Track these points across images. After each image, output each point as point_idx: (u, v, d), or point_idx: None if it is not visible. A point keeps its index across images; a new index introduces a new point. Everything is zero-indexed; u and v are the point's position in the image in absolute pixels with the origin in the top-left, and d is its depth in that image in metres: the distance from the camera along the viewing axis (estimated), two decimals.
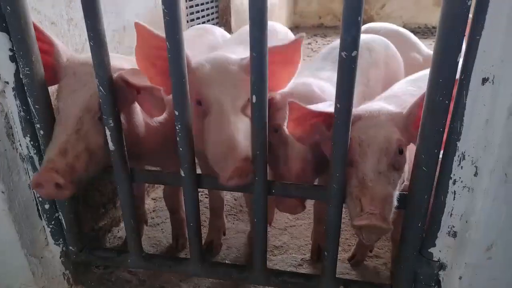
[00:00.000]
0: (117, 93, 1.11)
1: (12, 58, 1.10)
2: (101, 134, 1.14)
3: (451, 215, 1.05)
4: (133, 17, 1.86)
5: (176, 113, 1.07)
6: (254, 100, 1.01)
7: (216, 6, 3.77)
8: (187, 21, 2.93)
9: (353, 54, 0.91)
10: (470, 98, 0.91)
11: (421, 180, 1.04)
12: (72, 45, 1.45)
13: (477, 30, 0.86)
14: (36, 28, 1.12)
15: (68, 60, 1.19)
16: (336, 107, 0.98)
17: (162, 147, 1.38)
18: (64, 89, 1.15)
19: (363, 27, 2.59)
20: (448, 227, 1.07)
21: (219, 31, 2.09)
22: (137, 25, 1.14)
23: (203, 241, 1.41)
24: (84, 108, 1.11)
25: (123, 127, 1.18)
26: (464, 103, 0.92)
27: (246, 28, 2.00)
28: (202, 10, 3.42)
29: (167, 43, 1.00)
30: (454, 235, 1.07)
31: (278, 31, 1.95)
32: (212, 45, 1.86)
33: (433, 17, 7.48)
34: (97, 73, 1.06)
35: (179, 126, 1.08)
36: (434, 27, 7.40)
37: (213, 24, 3.64)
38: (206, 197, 2.04)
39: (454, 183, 1.01)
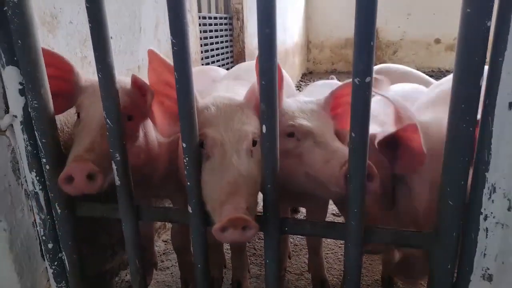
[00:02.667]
0: (133, 102, 1.19)
1: (22, 92, 1.09)
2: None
3: (484, 256, 0.95)
4: None
5: (184, 145, 1.03)
6: (264, 130, 0.96)
7: (231, 51, 3.87)
8: (202, 64, 2.99)
9: (367, 80, 0.87)
10: (497, 124, 0.85)
11: (448, 216, 0.95)
12: None
13: (499, 52, 0.81)
14: (52, 54, 1.18)
15: (86, 81, 1.24)
16: (351, 137, 0.93)
17: (171, 169, 1.35)
18: (85, 101, 1.19)
19: (377, 67, 2.59)
20: (482, 270, 0.96)
21: (222, 70, 2.17)
22: (151, 53, 1.11)
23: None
24: None
25: (140, 142, 1.21)
26: (491, 130, 0.86)
27: (242, 65, 2.04)
28: (217, 55, 3.50)
29: (175, 73, 0.98)
30: (490, 278, 0.96)
31: None
32: (215, 80, 1.88)
33: (446, 61, 7.55)
34: (104, 105, 1.04)
35: (187, 159, 1.04)
36: (447, 71, 7.45)
37: (228, 68, 3.72)
38: None
39: (485, 219, 0.92)
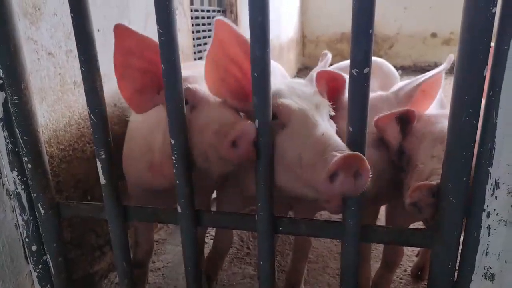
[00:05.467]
0: None
1: (1, 87, 1.03)
2: None
3: (486, 254, 0.91)
4: None
5: (172, 141, 0.97)
6: (257, 124, 0.91)
7: None
8: (195, 59, 2.92)
9: (365, 71, 0.83)
10: (502, 117, 0.80)
11: (449, 213, 0.91)
12: (71, 77, 1.40)
13: (504, 39, 0.77)
14: (132, 35, 1.00)
15: None
16: (348, 131, 0.88)
17: None
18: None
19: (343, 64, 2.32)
20: (484, 269, 0.92)
21: None
22: (219, 22, 0.98)
23: None
24: None
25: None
26: (495, 123, 0.81)
27: None
28: None
29: (162, 65, 0.93)
30: (492, 278, 0.92)
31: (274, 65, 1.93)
32: None
33: (442, 55, 7.51)
34: (88, 100, 0.98)
35: (176, 156, 0.99)
36: None
37: None
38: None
39: (488, 216, 0.88)
